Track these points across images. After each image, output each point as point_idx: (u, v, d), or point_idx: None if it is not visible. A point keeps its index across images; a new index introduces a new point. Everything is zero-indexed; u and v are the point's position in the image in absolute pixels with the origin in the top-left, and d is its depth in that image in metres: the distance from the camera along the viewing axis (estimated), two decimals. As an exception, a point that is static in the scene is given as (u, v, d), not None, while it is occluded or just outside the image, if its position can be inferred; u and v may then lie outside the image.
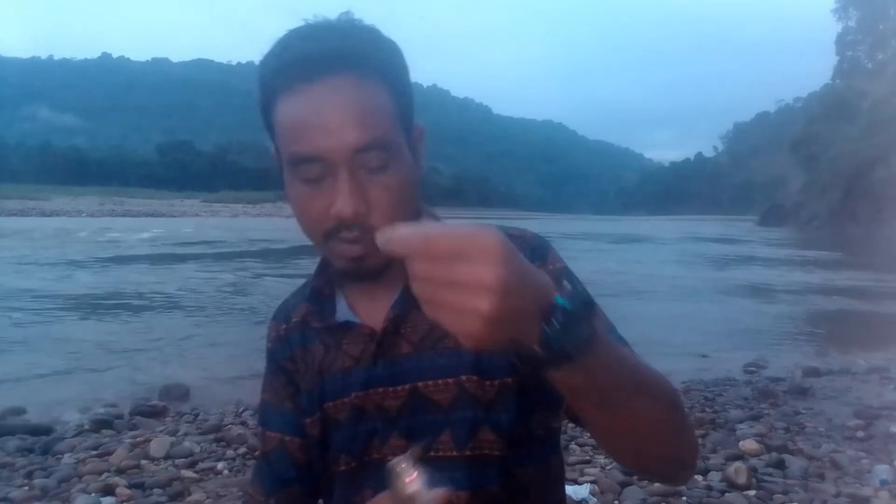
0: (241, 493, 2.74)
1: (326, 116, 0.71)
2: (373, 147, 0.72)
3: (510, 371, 0.79)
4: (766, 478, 3.01)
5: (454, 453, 0.79)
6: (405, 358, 0.82)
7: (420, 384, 0.81)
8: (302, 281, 0.96)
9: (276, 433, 0.93)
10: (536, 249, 0.83)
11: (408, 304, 0.82)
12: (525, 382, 0.79)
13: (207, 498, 2.81)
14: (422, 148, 0.83)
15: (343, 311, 0.87)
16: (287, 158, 0.75)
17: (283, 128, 0.75)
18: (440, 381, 0.80)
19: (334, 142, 0.71)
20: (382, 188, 0.74)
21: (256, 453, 1.00)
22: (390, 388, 0.82)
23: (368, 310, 0.86)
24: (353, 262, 0.77)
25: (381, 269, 0.79)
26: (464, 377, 0.79)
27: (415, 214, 0.83)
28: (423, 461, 0.79)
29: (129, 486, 2.86)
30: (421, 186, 0.82)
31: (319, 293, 0.89)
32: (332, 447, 0.86)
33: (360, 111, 0.72)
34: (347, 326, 0.86)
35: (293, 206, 0.79)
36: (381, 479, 0.80)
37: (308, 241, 0.79)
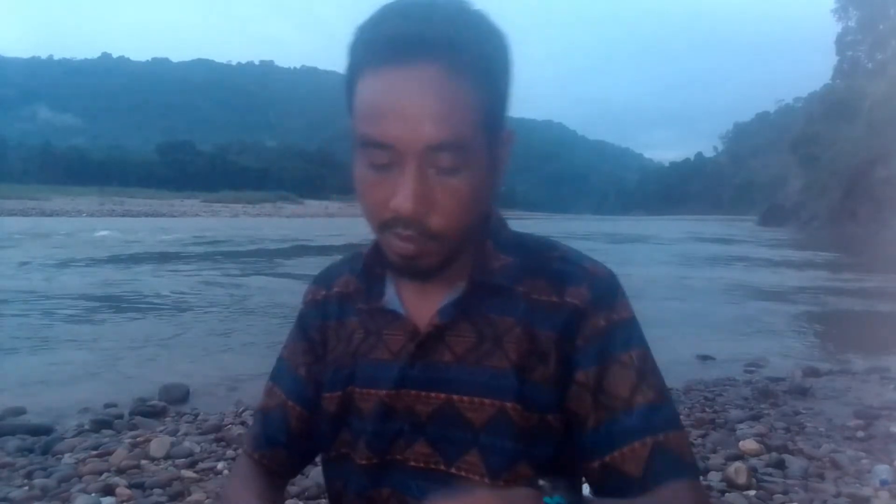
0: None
1: (406, 105, 0.67)
2: (447, 147, 0.68)
3: (555, 408, 0.77)
4: (766, 478, 3.01)
5: (486, 480, 0.76)
6: (445, 366, 0.79)
7: (455, 397, 0.78)
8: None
9: (282, 393, 0.91)
10: (603, 297, 0.78)
11: (457, 312, 0.79)
12: (570, 424, 0.77)
13: (207, 498, 2.80)
14: (507, 153, 0.78)
15: (391, 298, 0.83)
16: (359, 138, 0.71)
17: (361, 106, 0.70)
18: (476, 399, 0.77)
19: (408, 134, 0.67)
20: (449, 192, 0.70)
21: (259, 404, 0.96)
22: (423, 393, 0.79)
23: (416, 304, 0.82)
24: (404, 260, 0.74)
25: (432, 272, 0.76)
26: (509, 404, 0.76)
27: (480, 221, 0.78)
28: (448, 478, 0.77)
29: (129, 486, 2.85)
30: (495, 191, 0.78)
31: (370, 271, 0.85)
32: (348, 431, 0.84)
33: (443, 106, 0.67)
34: (393, 316, 0.82)
35: (356, 187, 0.74)
36: (401, 479, 0.79)
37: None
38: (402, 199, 0.68)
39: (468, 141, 0.69)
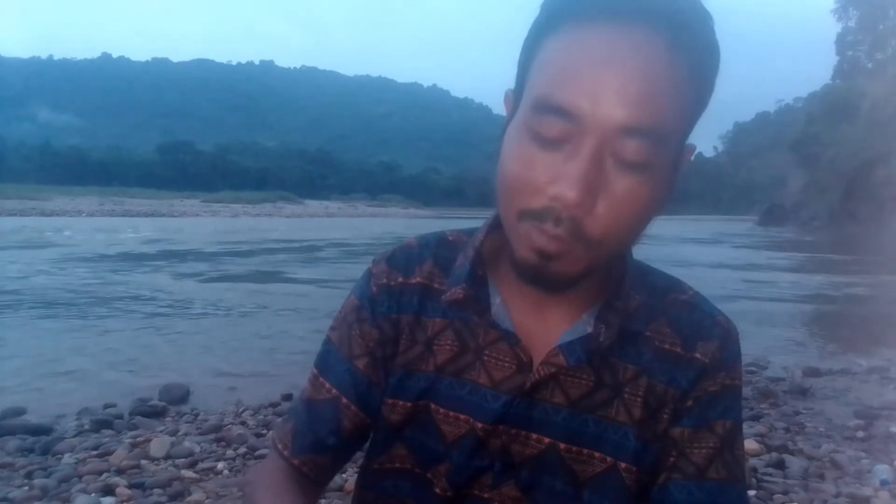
0: (240, 494, 2.74)
1: (610, 72, 0.55)
2: (642, 134, 0.56)
3: (658, 467, 0.70)
4: (766, 478, 3.01)
5: None
6: (554, 409, 0.69)
7: (563, 446, 0.69)
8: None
9: (333, 387, 0.75)
10: (728, 357, 0.72)
11: (585, 353, 0.67)
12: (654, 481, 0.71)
13: (207, 498, 2.80)
14: (683, 169, 0.66)
15: (500, 313, 0.71)
16: (533, 100, 0.58)
17: (549, 62, 0.58)
18: (585, 451, 0.68)
19: (601, 106, 0.55)
20: (624, 191, 0.57)
21: (301, 394, 0.79)
22: (523, 433, 0.69)
23: (527, 324, 0.71)
24: (539, 258, 0.61)
25: (564, 283, 0.63)
26: (622, 464, 0.68)
27: (635, 242, 0.67)
28: None
29: (129, 486, 2.85)
30: (661, 211, 0.64)
31: (475, 273, 0.71)
32: (403, 445, 0.74)
33: (654, 85, 0.55)
34: (501, 336, 0.70)
35: (502, 162, 0.62)
36: None
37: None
38: (568, 185, 0.56)
39: (666, 134, 0.57)
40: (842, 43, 60.15)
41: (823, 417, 4.05)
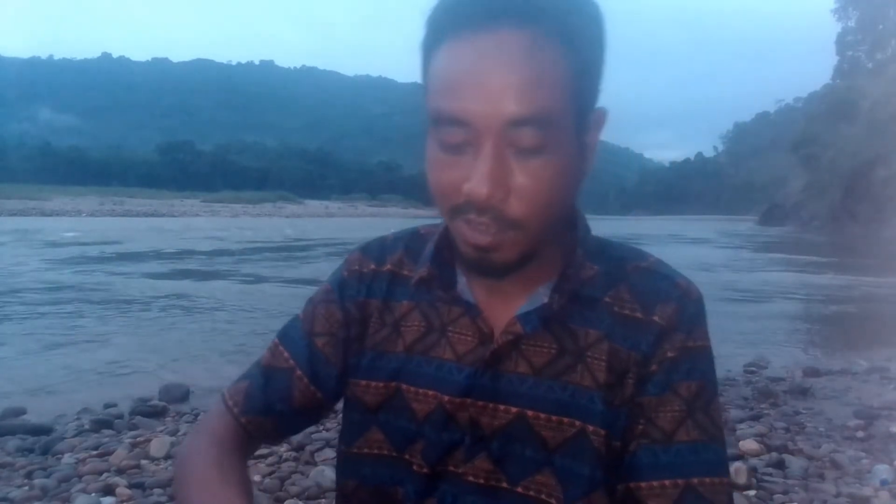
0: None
1: (485, 76, 0.60)
2: (530, 122, 0.61)
3: (628, 435, 0.71)
4: (766, 478, 3.01)
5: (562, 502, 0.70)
6: (519, 378, 0.71)
7: (530, 413, 0.71)
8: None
9: (290, 358, 0.80)
10: (687, 320, 0.72)
11: (541, 321, 0.71)
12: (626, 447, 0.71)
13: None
14: (596, 137, 0.69)
15: (464, 290, 0.75)
16: (431, 114, 0.65)
17: (436, 79, 0.64)
18: (553, 418, 0.70)
19: (487, 108, 0.60)
20: (529, 175, 0.62)
21: (258, 360, 0.84)
22: (491, 405, 0.71)
23: (488, 301, 0.74)
24: (476, 251, 0.66)
25: (508, 268, 0.68)
26: (590, 427, 0.70)
27: (565, 214, 0.71)
28: (512, 497, 0.71)
29: (129, 486, 2.85)
30: (582, 180, 0.69)
31: (440, 255, 0.76)
32: (379, 430, 0.76)
33: (527, 77, 0.60)
34: (465, 310, 0.74)
35: (427, 169, 0.68)
36: (453, 493, 0.72)
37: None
38: (477, 181, 0.61)
39: (553, 116, 0.62)
40: (842, 43, 60.19)
41: (823, 417, 4.05)
